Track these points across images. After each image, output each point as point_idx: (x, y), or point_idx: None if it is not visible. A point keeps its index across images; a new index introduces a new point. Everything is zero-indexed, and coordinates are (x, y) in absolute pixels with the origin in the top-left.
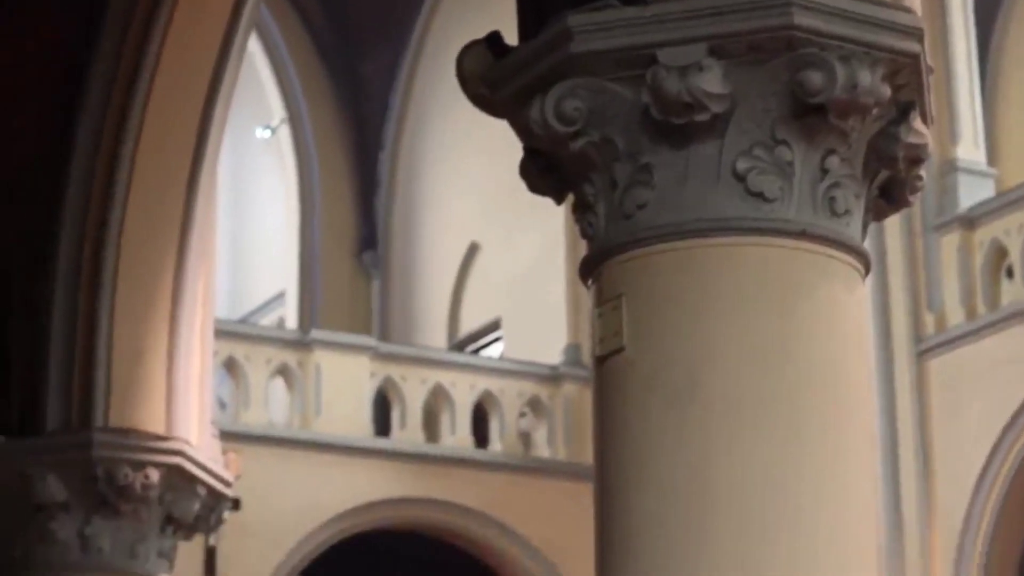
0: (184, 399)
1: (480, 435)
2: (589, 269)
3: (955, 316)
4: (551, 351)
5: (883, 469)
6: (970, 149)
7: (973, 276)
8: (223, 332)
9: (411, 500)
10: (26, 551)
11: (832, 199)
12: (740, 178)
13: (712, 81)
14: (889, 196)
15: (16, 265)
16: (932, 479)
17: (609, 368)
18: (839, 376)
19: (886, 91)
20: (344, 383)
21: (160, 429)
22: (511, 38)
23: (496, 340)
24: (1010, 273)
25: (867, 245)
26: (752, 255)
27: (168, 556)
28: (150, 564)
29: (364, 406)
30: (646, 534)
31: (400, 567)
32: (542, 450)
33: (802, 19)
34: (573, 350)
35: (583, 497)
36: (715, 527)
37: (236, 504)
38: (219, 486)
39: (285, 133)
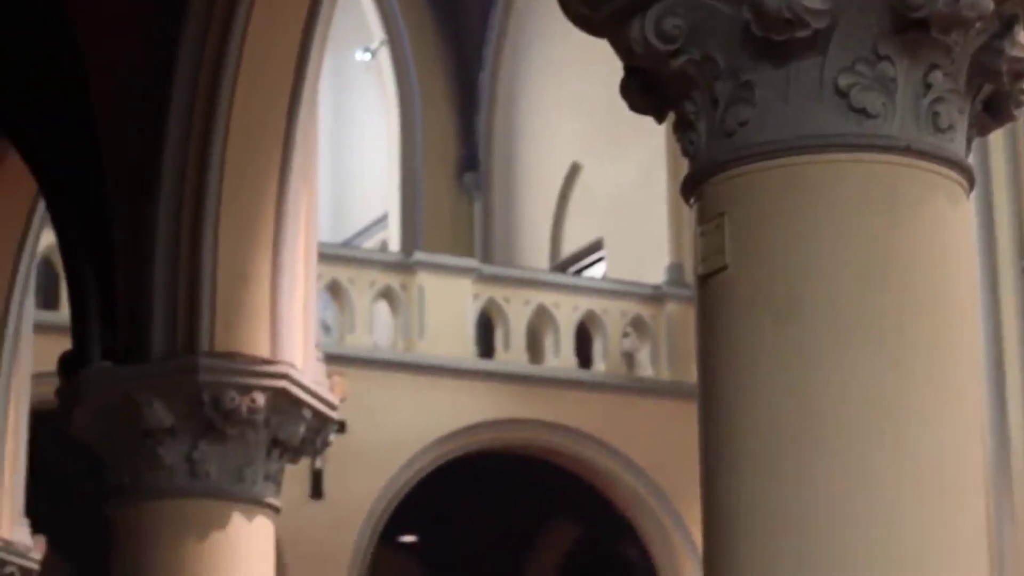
0: (289, 323)
1: (583, 355)
2: (691, 187)
3: None
4: (653, 270)
5: (988, 385)
6: None
7: None
8: (326, 256)
9: (515, 421)
10: (135, 477)
11: (936, 114)
12: (842, 94)
13: None
14: (993, 111)
15: (119, 192)
16: None
17: (712, 286)
18: (943, 292)
19: (989, 4)
20: (447, 305)
21: (265, 353)
22: None
23: (598, 260)
24: None
25: (971, 160)
26: (855, 171)
27: (275, 479)
28: (257, 487)
29: (467, 328)
30: (750, 452)
31: (504, 488)
32: (645, 370)
33: None
34: (675, 269)
35: (686, 416)
36: (819, 444)
37: (342, 427)
38: (325, 409)
39: (385, 55)
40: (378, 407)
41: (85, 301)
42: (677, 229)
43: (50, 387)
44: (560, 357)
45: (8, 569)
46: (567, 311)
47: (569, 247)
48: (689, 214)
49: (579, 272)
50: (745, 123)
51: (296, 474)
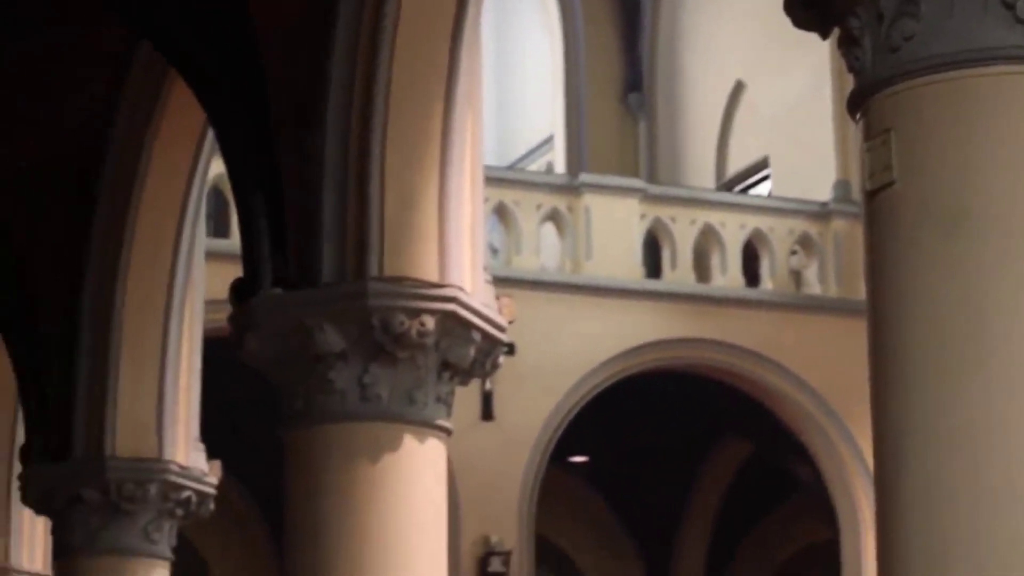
0: (456, 246)
1: (751, 274)
2: (857, 104)
3: None
4: (820, 188)
5: None
6: None
7: None
8: (493, 179)
9: (683, 341)
10: (307, 401)
11: None
12: (1008, 6)
13: None
14: None
15: (286, 119)
16: None
17: (879, 202)
18: None
19: None
20: (614, 226)
21: (434, 276)
22: None
23: (764, 178)
24: None
25: None
26: (1022, 84)
27: (446, 401)
28: (428, 410)
29: (634, 248)
30: (920, 367)
31: (674, 407)
32: (813, 287)
33: None
34: (842, 186)
35: (855, 333)
36: (988, 358)
37: (511, 349)
38: (494, 331)
39: None
40: (546, 329)
41: (255, 228)
42: (843, 145)
43: (222, 314)
44: (727, 276)
45: (185, 493)
46: (733, 230)
47: (735, 165)
48: (855, 130)
49: (745, 190)
50: (911, 38)
51: (466, 396)
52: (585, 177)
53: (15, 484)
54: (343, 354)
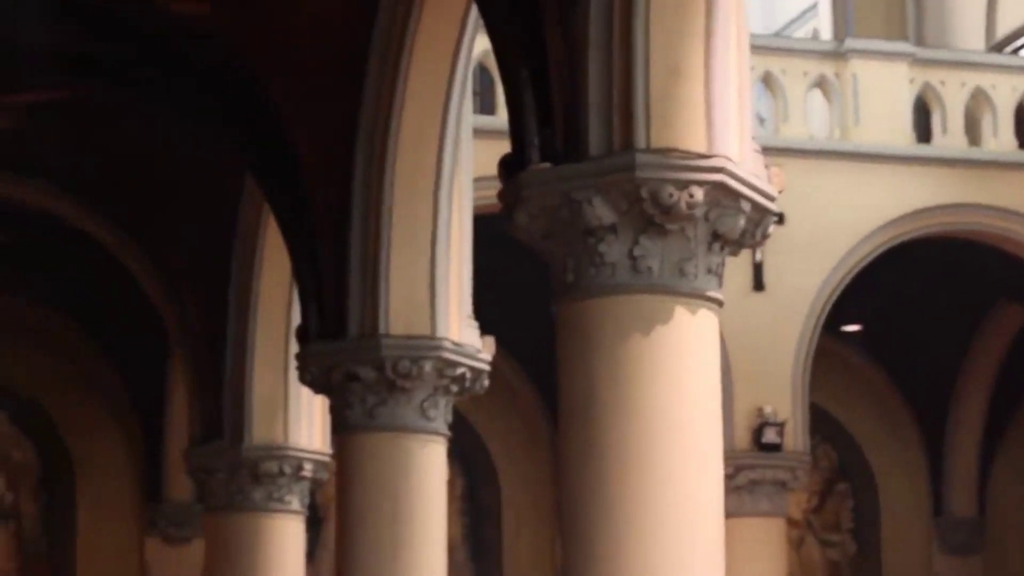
0: (724, 116)
1: None
2: None
3: None
4: None
5: None
6: None
7: None
8: (758, 47)
9: (955, 206)
10: (578, 275)
11: None
12: None
13: None
14: None
15: None
16: None
17: None
18: None
19: None
20: (882, 91)
21: (701, 147)
22: None
23: None
24: None
25: None
26: None
27: (717, 272)
28: (699, 281)
29: (904, 113)
30: None
31: (947, 274)
32: None
33: None
34: None
35: None
36: None
37: (780, 218)
38: (763, 201)
39: None
40: (816, 197)
41: (521, 104)
42: None
43: (491, 191)
44: (999, 139)
45: (459, 370)
46: (1005, 92)
47: (1005, 26)
48: None
49: (1016, 51)
50: None
51: (737, 267)
52: (852, 42)
53: (292, 364)
54: (613, 227)
